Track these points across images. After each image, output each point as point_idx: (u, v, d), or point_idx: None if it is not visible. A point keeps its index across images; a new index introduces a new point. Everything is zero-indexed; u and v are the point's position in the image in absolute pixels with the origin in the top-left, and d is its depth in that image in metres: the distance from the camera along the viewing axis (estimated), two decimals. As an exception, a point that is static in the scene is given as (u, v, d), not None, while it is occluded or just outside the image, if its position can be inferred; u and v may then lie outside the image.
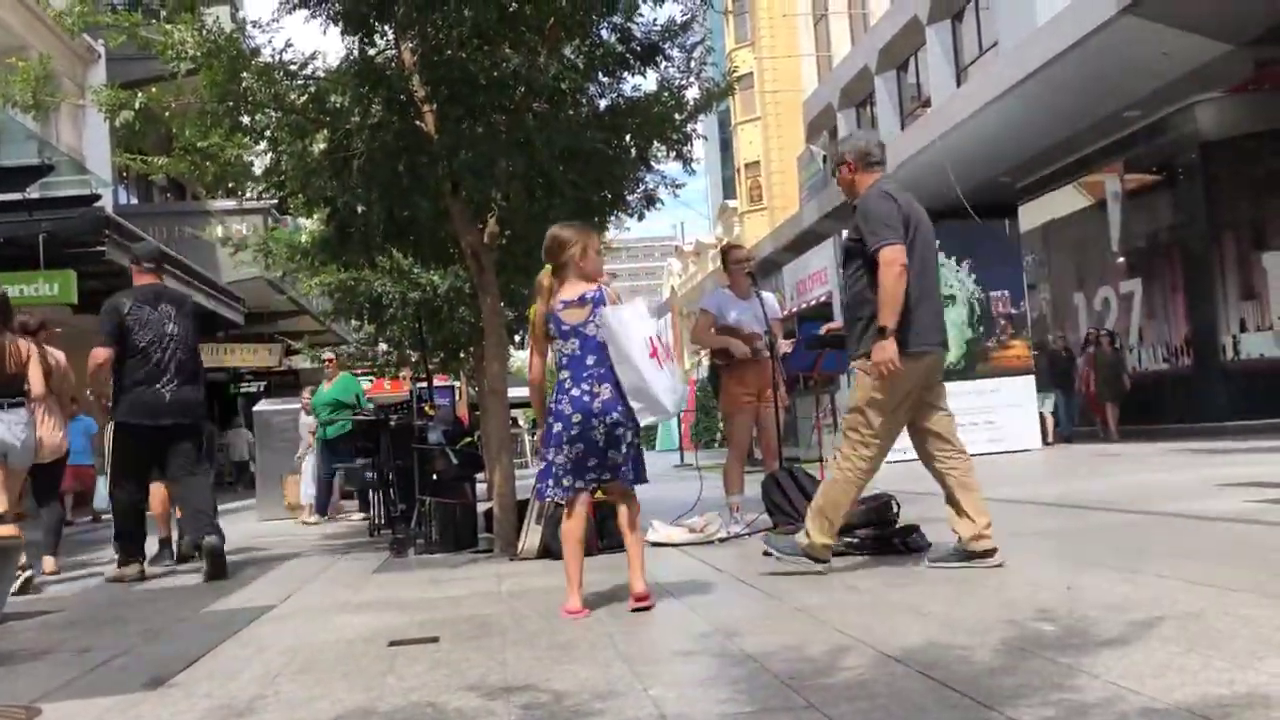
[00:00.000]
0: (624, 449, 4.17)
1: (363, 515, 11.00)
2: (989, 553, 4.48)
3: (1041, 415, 15.29)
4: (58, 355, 7.15)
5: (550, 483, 4.19)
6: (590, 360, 4.18)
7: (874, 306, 4.43)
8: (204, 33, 6.10)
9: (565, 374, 4.20)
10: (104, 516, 12.70)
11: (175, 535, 7.52)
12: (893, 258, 4.39)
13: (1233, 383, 14.41)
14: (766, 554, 4.86)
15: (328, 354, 12.55)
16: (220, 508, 7.06)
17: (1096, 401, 15.87)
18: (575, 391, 4.14)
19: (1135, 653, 2.76)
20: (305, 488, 11.84)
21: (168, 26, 6.26)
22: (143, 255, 6.86)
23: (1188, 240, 15.40)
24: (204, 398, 6.64)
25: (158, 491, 7.29)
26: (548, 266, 4.37)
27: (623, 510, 4.25)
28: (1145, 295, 16.31)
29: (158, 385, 6.25)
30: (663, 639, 3.57)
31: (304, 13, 6.20)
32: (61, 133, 16.86)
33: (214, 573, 6.21)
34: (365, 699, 2.96)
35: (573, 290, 4.27)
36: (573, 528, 4.19)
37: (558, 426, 4.14)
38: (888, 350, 4.35)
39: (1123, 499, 6.44)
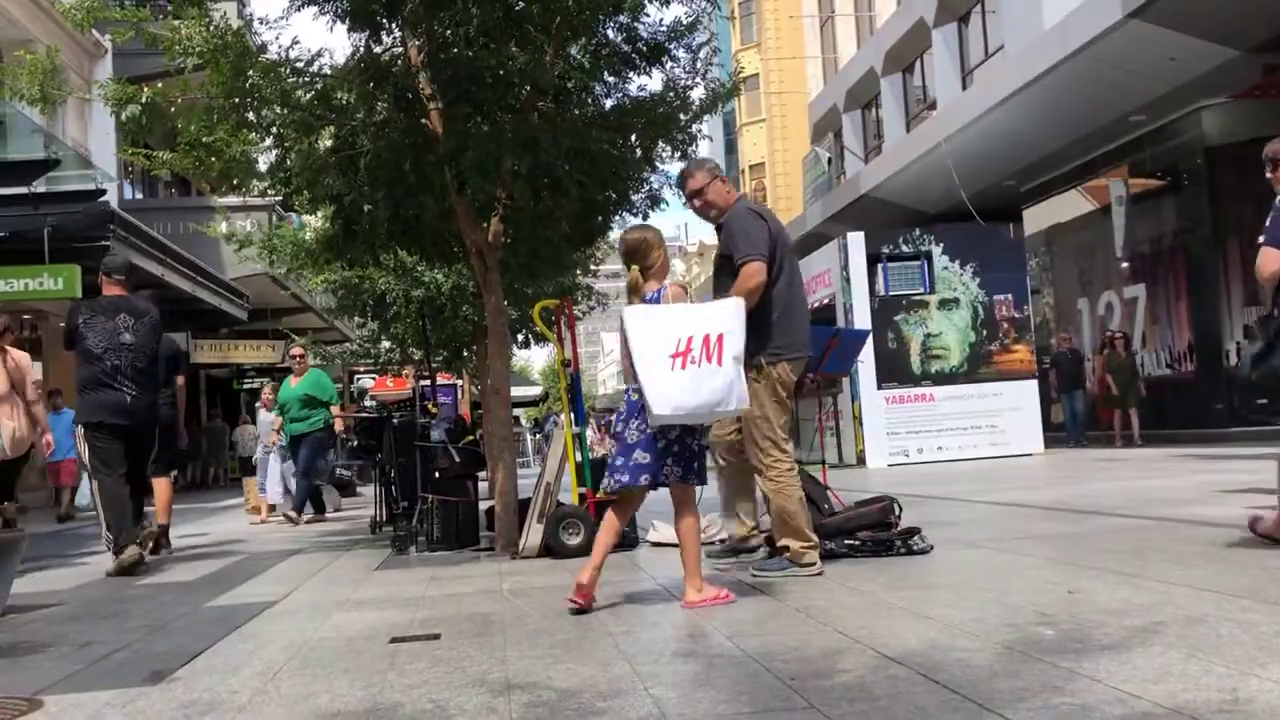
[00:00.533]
0: (676, 450, 4.19)
1: (311, 516, 10.75)
2: (809, 566, 4.70)
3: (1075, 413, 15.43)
4: (19, 357, 7.36)
5: (615, 473, 4.26)
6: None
7: (755, 320, 4.46)
8: (211, 29, 6.11)
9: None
10: (80, 515, 12.66)
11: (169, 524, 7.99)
12: (753, 271, 4.59)
13: (1236, 389, 14.38)
14: (755, 575, 4.81)
15: (296, 347, 11.90)
16: (227, 503, 7.55)
17: (1105, 405, 15.78)
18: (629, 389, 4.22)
19: (1136, 658, 2.76)
20: (270, 487, 11.35)
21: (175, 22, 6.26)
22: (112, 268, 7.10)
23: (1192, 246, 15.38)
24: (164, 401, 7.18)
25: (160, 484, 7.76)
26: (635, 267, 4.40)
27: (675, 508, 4.27)
28: (1149, 300, 16.30)
29: (114, 388, 6.52)
30: (664, 639, 3.57)
31: (313, 9, 6.20)
32: (67, 127, 16.89)
33: (121, 573, 6.45)
34: (366, 695, 2.97)
35: (648, 290, 4.37)
36: (612, 520, 4.32)
37: (625, 422, 4.23)
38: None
39: (1124, 504, 6.44)
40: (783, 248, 4.78)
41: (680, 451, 4.20)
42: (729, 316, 4.11)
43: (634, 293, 4.39)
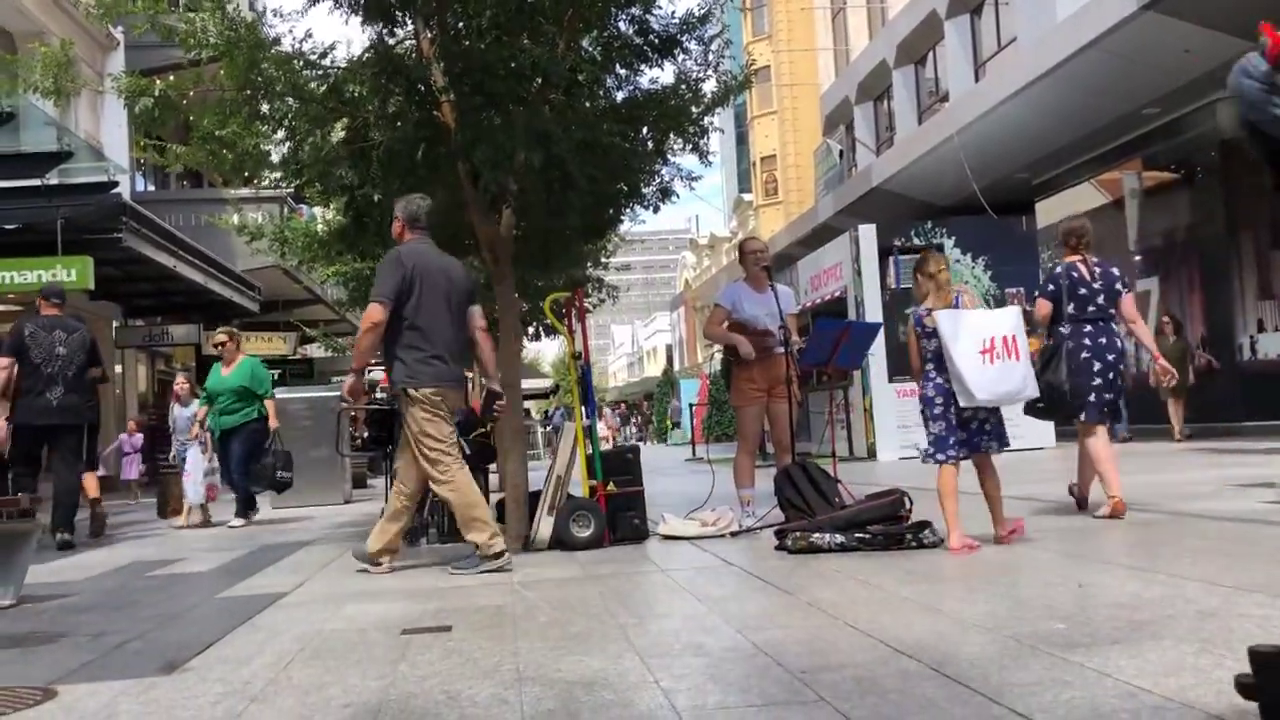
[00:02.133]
0: (988, 426, 5.15)
1: (242, 521, 9.65)
2: (497, 557, 5.25)
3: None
4: None
5: (933, 449, 5.15)
6: None
7: (393, 352, 5.38)
8: (225, 20, 6.13)
9: (930, 365, 5.12)
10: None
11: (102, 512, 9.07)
12: (369, 314, 5.35)
13: (1249, 383, 14.31)
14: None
15: (220, 334, 10.38)
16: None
17: (1175, 395, 13.99)
18: (939, 380, 5.08)
19: (1148, 652, 2.75)
20: (191, 486, 10.05)
21: (190, 14, 6.28)
22: (49, 293, 8.27)
23: (1205, 239, 15.30)
24: (89, 403, 8.08)
25: (89, 478, 8.67)
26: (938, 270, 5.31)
27: (981, 472, 5.17)
28: (1162, 294, 16.22)
29: (46, 394, 7.70)
30: (674, 631, 3.57)
31: (328, 3, 6.22)
32: (80, 119, 16.95)
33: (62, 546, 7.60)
34: (378, 686, 2.98)
35: (936, 300, 5.16)
36: (946, 482, 5.03)
37: (931, 409, 5.16)
38: (351, 381, 5.72)
39: (1136, 498, 6.41)
40: (421, 285, 5.34)
41: (993, 426, 5.16)
42: (1016, 320, 5.09)
43: (923, 299, 5.28)
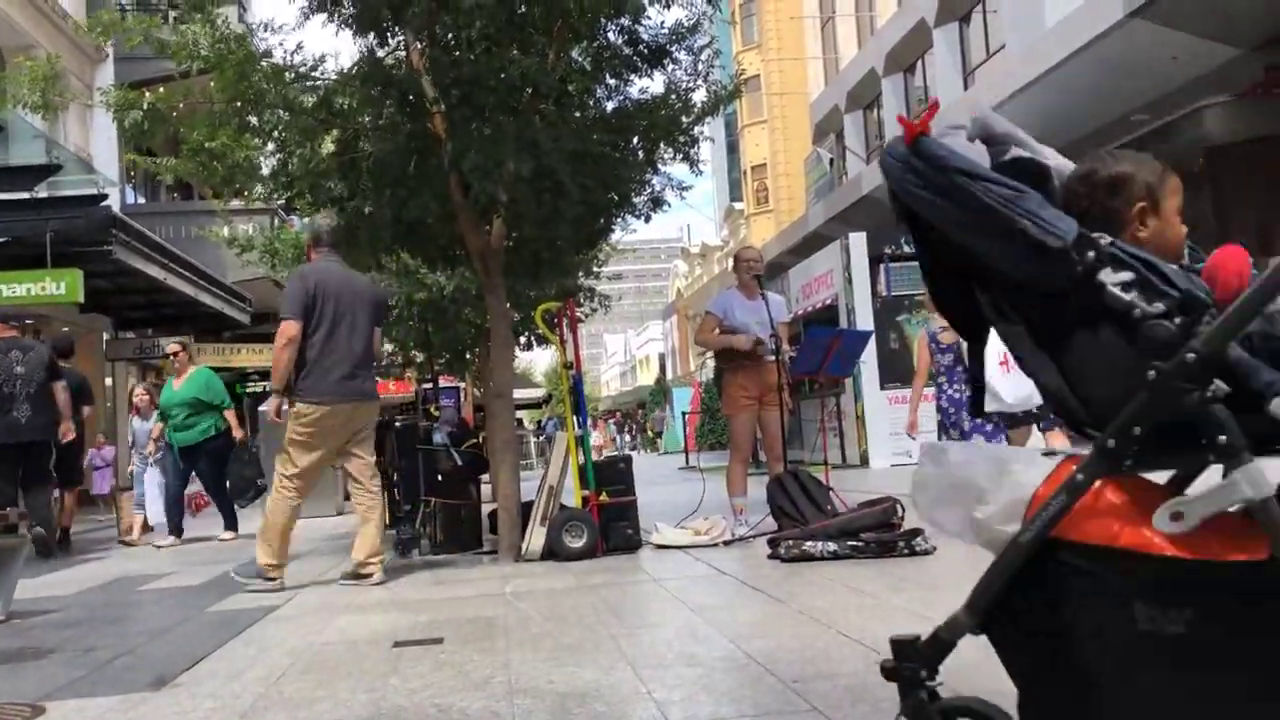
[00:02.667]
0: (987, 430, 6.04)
1: (232, 534, 9.25)
2: (367, 576, 5.58)
3: None
4: None
5: None
6: (959, 369, 6.30)
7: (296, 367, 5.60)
8: (217, 33, 6.13)
9: (943, 378, 5.97)
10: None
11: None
12: (282, 330, 5.54)
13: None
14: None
15: (172, 344, 10.04)
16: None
17: None
18: (951, 391, 6.00)
19: (1140, 659, 2.75)
20: (149, 504, 9.76)
21: (181, 27, 6.28)
22: (6, 315, 8.69)
23: (1195, 244, 15.33)
24: (54, 419, 8.26)
25: (68, 496, 9.34)
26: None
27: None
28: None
29: (14, 412, 7.98)
30: (666, 641, 3.56)
31: (321, 16, 6.22)
32: (69, 132, 16.91)
33: (40, 554, 7.23)
34: (369, 700, 2.97)
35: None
36: None
37: (948, 418, 6.09)
38: (273, 402, 5.75)
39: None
40: (323, 303, 5.57)
41: (994, 433, 5.94)
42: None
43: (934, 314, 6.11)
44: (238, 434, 9.53)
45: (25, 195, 12.49)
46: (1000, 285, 1.77)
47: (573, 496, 6.39)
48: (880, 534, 5.26)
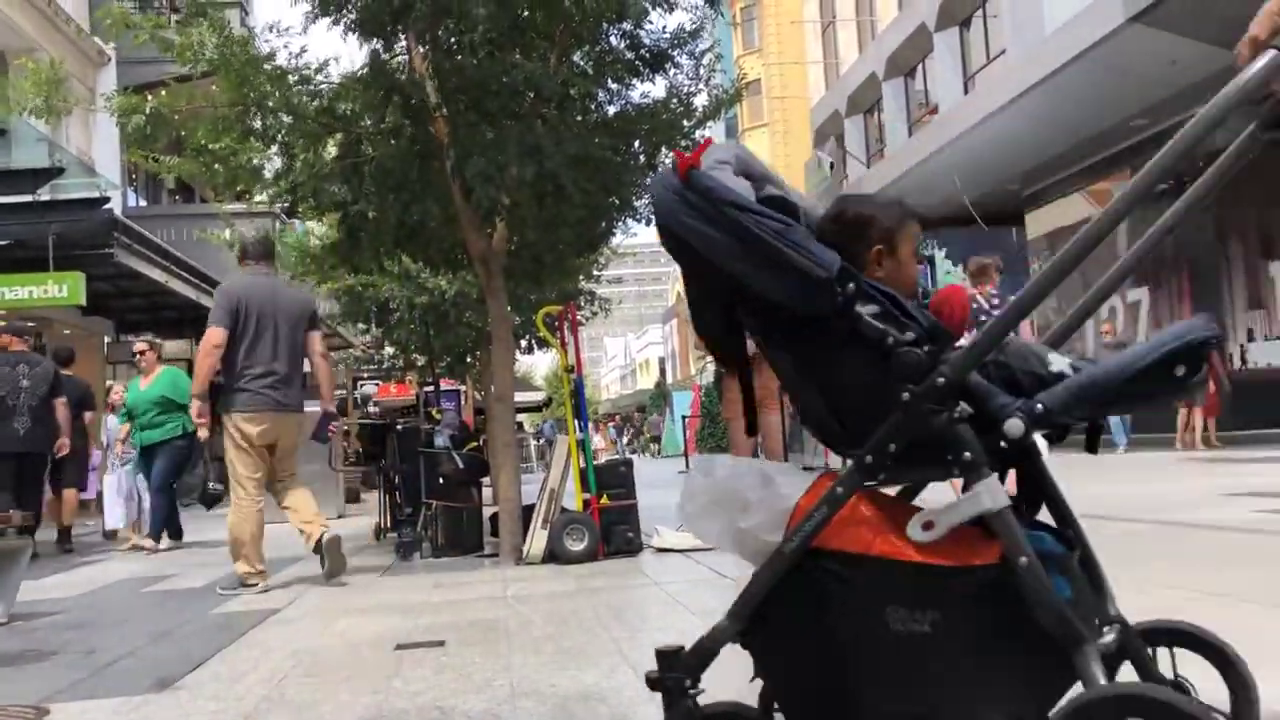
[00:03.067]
0: None
1: (158, 545, 8.82)
2: (252, 586, 5.70)
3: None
4: None
5: None
6: None
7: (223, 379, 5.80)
8: (221, 36, 6.15)
9: None
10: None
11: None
12: (207, 337, 5.72)
13: (1240, 392, 14.36)
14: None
15: (139, 342, 9.71)
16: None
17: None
18: None
19: (1140, 662, 2.75)
20: (110, 508, 9.49)
21: (187, 29, 6.31)
22: (15, 330, 8.79)
23: (1195, 249, 15.37)
24: (52, 432, 8.53)
25: (68, 494, 9.51)
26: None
27: None
28: (1152, 304, 16.30)
29: (14, 423, 8.24)
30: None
31: (325, 20, 6.24)
32: (71, 135, 16.94)
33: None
34: (371, 702, 2.97)
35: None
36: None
37: None
38: (195, 406, 5.85)
39: (1130, 508, 6.44)
40: (246, 315, 5.74)
41: None
42: None
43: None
44: (203, 435, 9.23)
45: (28, 198, 12.52)
46: (767, 313, 1.85)
47: (574, 500, 6.40)
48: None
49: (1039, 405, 1.66)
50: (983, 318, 6.90)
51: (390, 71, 6.41)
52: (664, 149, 7.13)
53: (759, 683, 1.96)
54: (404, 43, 6.46)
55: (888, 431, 1.69)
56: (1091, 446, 1.94)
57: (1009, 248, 15.42)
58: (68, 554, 9.10)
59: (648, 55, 6.71)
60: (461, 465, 7.53)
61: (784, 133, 41.91)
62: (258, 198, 8.51)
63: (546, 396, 39.12)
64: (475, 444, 8.64)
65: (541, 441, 29.11)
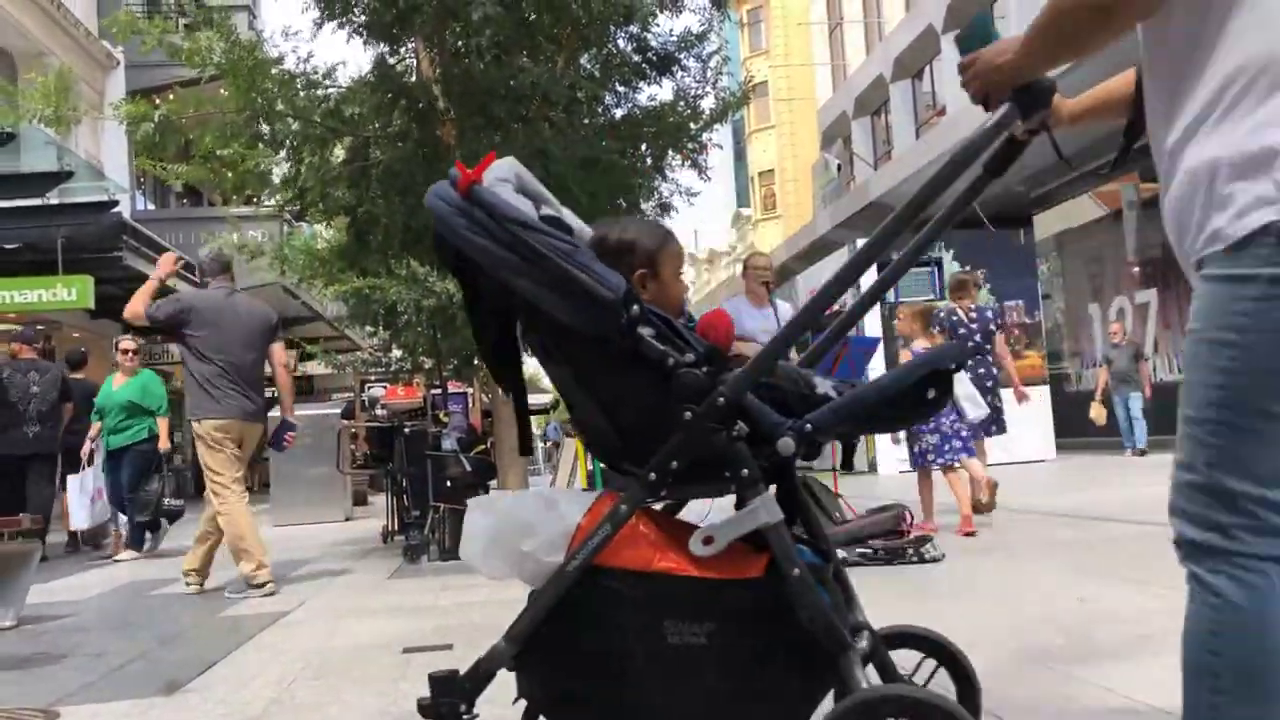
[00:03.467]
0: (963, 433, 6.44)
1: (133, 554, 8.63)
2: (259, 586, 5.73)
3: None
4: None
5: (934, 456, 6.36)
6: None
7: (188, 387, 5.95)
8: (230, 40, 6.17)
9: None
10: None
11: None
12: (130, 305, 5.91)
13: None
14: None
15: (125, 340, 9.25)
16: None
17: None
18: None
19: (1149, 666, 2.75)
20: (76, 511, 8.98)
21: (196, 34, 6.34)
22: (26, 338, 9.05)
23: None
24: (58, 434, 8.77)
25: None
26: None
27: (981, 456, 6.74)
28: (1161, 305, 16.24)
29: (24, 428, 8.47)
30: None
31: (331, 24, 6.26)
32: (80, 139, 17.00)
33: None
34: (379, 705, 2.98)
35: (926, 341, 6.52)
36: (939, 480, 6.38)
37: (925, 425, 6.24)
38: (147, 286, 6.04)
39: (1137, 510, 6.42)
40: (198, 328, 5.89)
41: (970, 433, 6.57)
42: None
43: (913, 338, 6.68)
44: (164, 444, 8.98)
45: (37, 202, 12.57)
46: (548, 329, 1.86)
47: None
48: (888, 541, 5.26)
49: (807, 425, 1.73)
50: (961, 331, 7.19)
51: (397, 75, 6.43)
52: (671, 151, 7.14)
53: (523, 704, 2.01)
54: (411, 46, 6.48)
55: (670, 450, 1.73)
56: (846, 464, 2.10)
57: (1017, 249, 15.33)
58: (76, 556, 9.18)
59: (655, 58, 6.73)
60: (469, 468, 7.53)
61: (791, 135, 41.90)
62: (266, 202, 8.53)
63: (554, 399, 39.14)
64: (482, 447, 8.65)
65: (548, 444, 29.10)
